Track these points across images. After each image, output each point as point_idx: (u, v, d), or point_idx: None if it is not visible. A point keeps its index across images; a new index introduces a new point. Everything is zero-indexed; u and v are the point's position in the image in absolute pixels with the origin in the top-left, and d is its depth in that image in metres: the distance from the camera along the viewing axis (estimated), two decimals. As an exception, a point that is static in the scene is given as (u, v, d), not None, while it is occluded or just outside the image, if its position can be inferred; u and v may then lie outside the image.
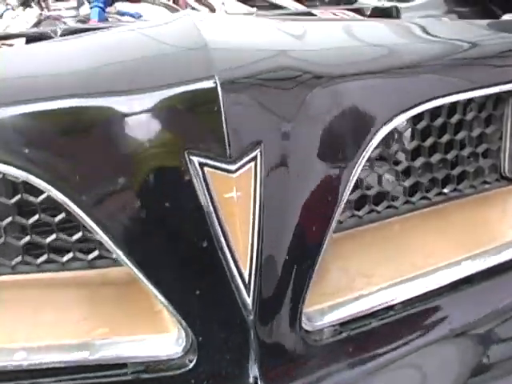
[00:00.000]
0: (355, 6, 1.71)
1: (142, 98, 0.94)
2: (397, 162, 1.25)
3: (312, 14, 1.34)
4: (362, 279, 1.08)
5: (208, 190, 0.92)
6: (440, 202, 1.30)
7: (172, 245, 0.95)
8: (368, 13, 1.62)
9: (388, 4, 1.68)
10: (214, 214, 0.92)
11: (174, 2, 2.34)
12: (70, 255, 1.06)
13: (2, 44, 1.16)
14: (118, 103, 0.94)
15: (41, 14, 1.85)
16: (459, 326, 1.13)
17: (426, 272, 1.14)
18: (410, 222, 1.27)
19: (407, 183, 1.25)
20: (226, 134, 0.91)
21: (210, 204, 0.92)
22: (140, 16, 2.14)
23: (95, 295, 1.09)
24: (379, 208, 1.23)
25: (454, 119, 1.25)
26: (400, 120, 1.12)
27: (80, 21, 2.05)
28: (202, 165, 0.91)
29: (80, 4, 2.06)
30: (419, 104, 1.12)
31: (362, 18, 1.31)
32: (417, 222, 1.28)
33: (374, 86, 1.09)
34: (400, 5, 2.27)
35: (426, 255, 1.20)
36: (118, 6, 2.16)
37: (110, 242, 0.95)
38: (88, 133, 0.94)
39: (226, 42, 1.02)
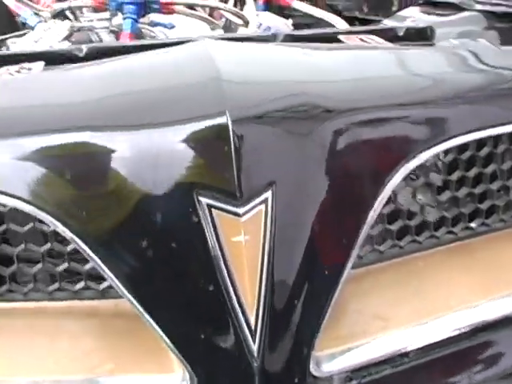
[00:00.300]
0: (388, 25, 1.65)
1: (151, 135, 0.92)
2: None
3: (337, 39, 1.29)
4: (377, 322, 1.04)
5: (216, 232, 0.89)
6: (467, 237, 1.25)
7: (178, 286, 0.92)
8: (401, 33, 1.57)
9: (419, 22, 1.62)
10: (221, 258, 0.89)
11: (209, 14, 2.32)
12: (82, 284, 1.05)
13: (21, 68, 1.15)
14: (125, 140, 0.92)
15: (72, 27, 1.84)
16: (481, 379, 1.08)
17: (446, 315, 1.09)
18: (433, 258, 1.22)
19: (432, 218, 1.20)
20: (236, 175, 0.88)
21: (217, 247, 0.89)
22: (173, 27, 2.13)
23: (106, 326, 1.08)
24: (402, 243, 1.19)
25: (484, 152, 1.20)
26: (426, 156, 1.07)
27: (112, 31, 2.05)
28: (210, 206, 0.89)
29: (113, 15, 2.06)
30: (448, 139, 1.07)
31: (387, 44, 1.25)
32: (441, 259, 1.23)
33: (399, 121, 1.05)
34: (438, 19, 2.21)
35: (448, 296, 1.15)
36: (152, 16, 2.15)
37: (116, 281, 0.93)
38: (94, 169, 0.92)
39: (240, 74, 0.99)
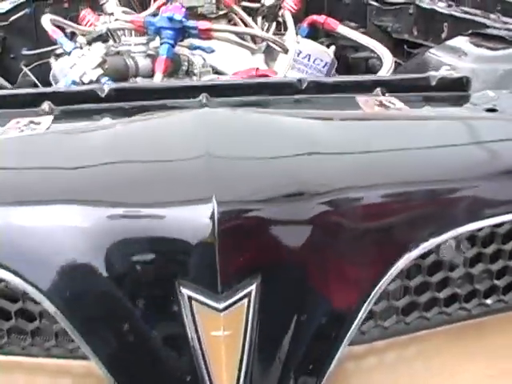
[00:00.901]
0: (420, 74, 1.59)
1: (136, 216, 0.90)
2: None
3: (355, 103, 1.24)
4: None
5: (195, 324, 0.87)
6: (481, 314, 1.19)
7: (155, 374, 0.91)
8: (433, 83, 1.51)
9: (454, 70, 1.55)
10: (199, 351, 0.87)
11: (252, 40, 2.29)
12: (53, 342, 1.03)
13: (31, 122, 1.15)
14: (108, 220, 0.90)
15: (107, 54, 1.84)
16: None
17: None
18: (443, 336, 1.17)
19: (442, 295, 1.15)
20: (219, 269, 0.85)
21: (196, 339, 0.87)
22: (212, 51, 2.12)
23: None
24: (408, 319, 1.14)
25: (503, 230, 1.14)
26: (433, 243, 1.02)
27: (149, 55, 2.04)
28: (190, 298, 0.86)
29: (150, 39, 2.05)
30: (454, 228, 1.01)
31: (404, 112, 1.19)
32: (452, 338, 1.17)
33: (401, 206, 1.00)
34: (486, 52, 2.12)
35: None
36: (192, 39, 2.14)
37: (97, 359, 0.92)
38: (77, 246, 0.91)
39: (231, 155, 0.95)
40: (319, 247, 0.92)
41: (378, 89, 1.46)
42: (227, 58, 2.22)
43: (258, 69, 2.04)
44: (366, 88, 1.48)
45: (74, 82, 1.81)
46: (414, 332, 1.15)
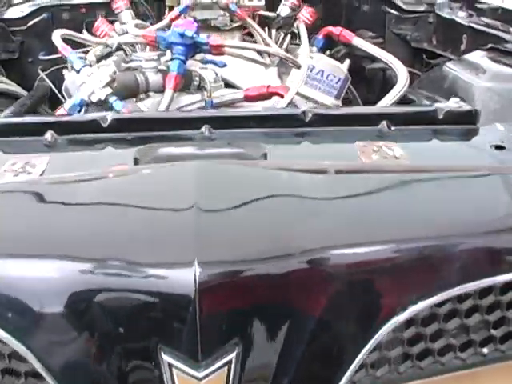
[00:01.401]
0: (429, 107, 1.56)
1: (115, 273, 0.90)
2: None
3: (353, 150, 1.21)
4: None
5: (175, 391, 0.87)
6: (476, 364, 1.17)
7: None
8: (441, 116, 1.48)
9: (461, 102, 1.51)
10: (179, 417, 0.87)
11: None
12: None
13: (26, 164, 1.15)
14: (89, 274, 0.90)
15: (115, 72, 1.84)
16: None
17: None
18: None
19: (437, 345, 1.13)
20: (199, 336, 0.85)
21: (176, 406, 0.87)
22: (224, 65, 2.10)
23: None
24: (401, 368, 1.12)
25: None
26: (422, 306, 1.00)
27: (160, 71, 2.03)
28: (171, 366, 0.86)
29: (161, 55, 2.04)
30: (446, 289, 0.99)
31: (400, 165, 1.16)
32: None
33: (388, 268, 0.98)
34: (503, 69, 2.07)
35: None
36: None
37: None
38: (55, 304, 0.92)
39: (218, 212, 0.94)
40: (304, 314, 0.91)
41: (384, 122, 1.44)
42: (240, 71, 2.20)
43: (269, 86, 2.02)
44: (372, 121, 1.46)
45: (82, 101, 1.81)
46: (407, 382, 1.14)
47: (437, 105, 1.52)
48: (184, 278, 0.86)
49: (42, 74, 2.52)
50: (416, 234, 1.00)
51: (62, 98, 2.24)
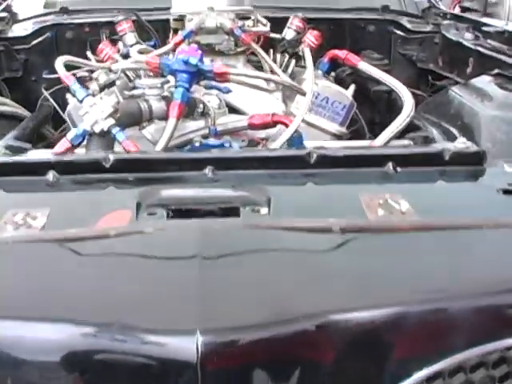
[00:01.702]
0: (434, 148, 1.54)
1: (116, 338, 0.89)
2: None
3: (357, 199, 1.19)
4: None
5: None
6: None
7: None
8: (447, 158, 1.46)
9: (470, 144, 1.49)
10: None
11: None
12: None
13: (27, 215, 1.14)
14: (91, 339, 0.89)
15: (118, 103, 1.82)
16: None
17: None
18: None
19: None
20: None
21: None
22: (229, 91, 2.08)
23: None
24: None
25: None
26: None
27: (164, 97, 2.02)
28: None
29: (164, 82, 2.03)
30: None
31: (403, 221, 1.13)
32: None
33: (397, 331, 0.96)
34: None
35: None
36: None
37: None
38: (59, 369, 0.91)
39: (221, 279, 0.93)
40: (307, 381, 0.90)
41: (390, 164, 1.43)
42: (244, 96, 2.18)
43: (274, 115, 2.01)
44: (377, 162, 1.45)
45: (85, 131, 1.79)
46: None
47: (445, 145, 1.51)
48: (186, 346, 0.85)
49: (46, 94, 2.51)
50: (422, 298, 0.98)
51: (65, 117, 2.22)
